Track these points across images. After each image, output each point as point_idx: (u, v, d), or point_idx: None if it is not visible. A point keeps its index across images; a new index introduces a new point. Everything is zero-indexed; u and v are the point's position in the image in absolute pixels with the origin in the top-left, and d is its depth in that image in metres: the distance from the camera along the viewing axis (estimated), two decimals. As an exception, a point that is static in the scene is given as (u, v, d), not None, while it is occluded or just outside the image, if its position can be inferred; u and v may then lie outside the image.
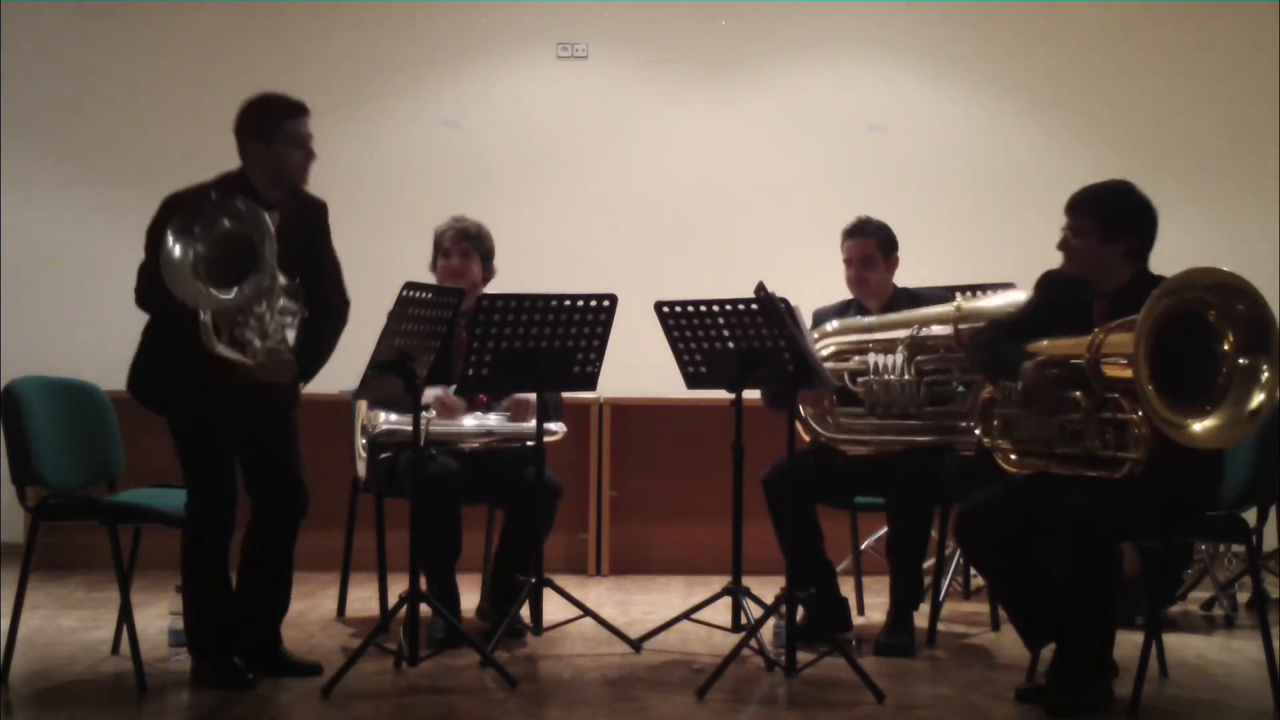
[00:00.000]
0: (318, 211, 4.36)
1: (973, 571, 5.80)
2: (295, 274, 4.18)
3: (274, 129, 4.16)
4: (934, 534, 5.20)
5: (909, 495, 4.84)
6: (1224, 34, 7.17)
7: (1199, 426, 3.76)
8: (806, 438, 4.97)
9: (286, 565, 4.38)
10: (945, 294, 5.21)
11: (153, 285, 4.05)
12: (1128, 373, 3.75)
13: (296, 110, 4.22)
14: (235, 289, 3.92)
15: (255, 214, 3.95)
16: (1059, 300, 4.19)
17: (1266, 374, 3.77)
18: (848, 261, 5.11)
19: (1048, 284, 4.28)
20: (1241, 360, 3.79)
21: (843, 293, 5.22)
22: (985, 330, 4.51)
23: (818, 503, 4.96)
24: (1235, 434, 3.83)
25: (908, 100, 7.21)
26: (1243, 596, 5.61)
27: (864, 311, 5.11)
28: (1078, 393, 3.98)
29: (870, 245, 5.08)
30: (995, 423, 4.25)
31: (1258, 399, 3.78)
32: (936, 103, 7.22)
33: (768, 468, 4.85)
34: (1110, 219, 4.06)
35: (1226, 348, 3.80)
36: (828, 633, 4.52)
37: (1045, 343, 4.08)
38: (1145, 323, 3.70)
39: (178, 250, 3.90)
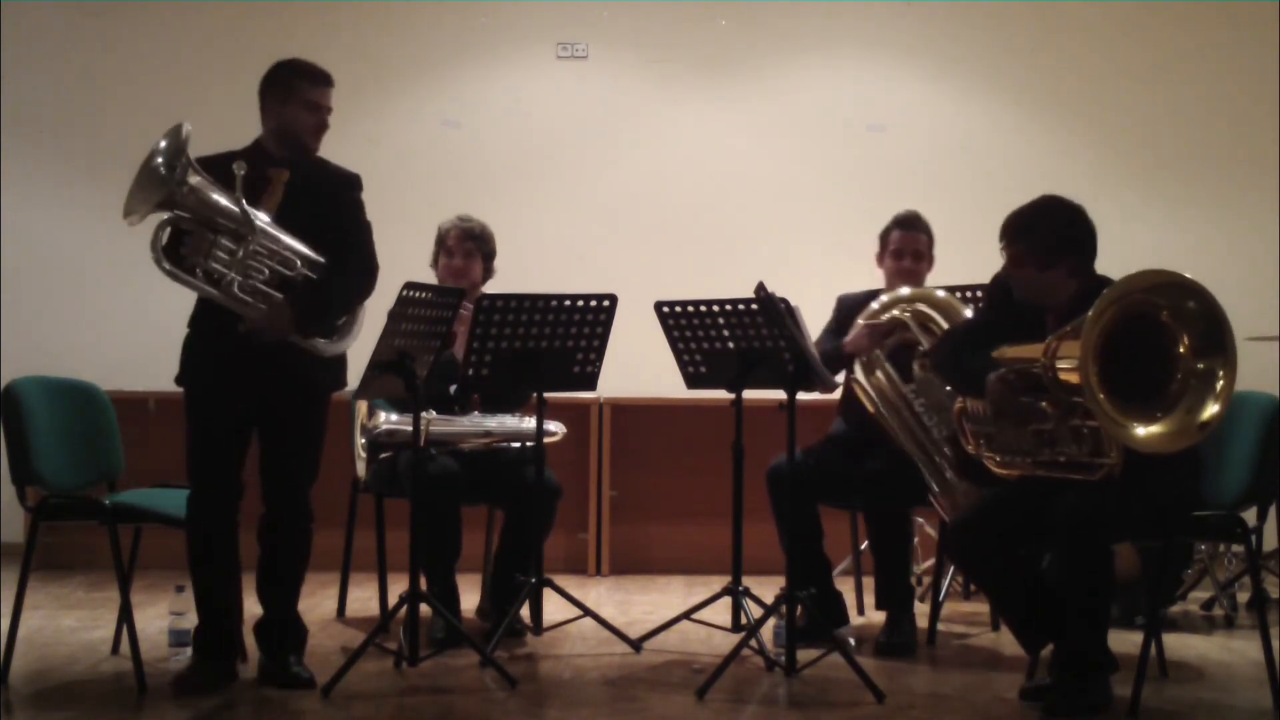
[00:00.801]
0: (342, 182, 4.36)
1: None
2: (307, 237, 4.18)
3: (290, 89, 4.25)
4: (933, 534, 5.20)
5: (885, 497, 4.85)
6: (1224, 34, 7.17)
7: (1142, 431, 3.72)
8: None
9: (284, 582, 4.30)
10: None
11: None
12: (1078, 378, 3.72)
13: (318, 77, 4.29)
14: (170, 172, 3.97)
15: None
16: (1011, 303, 4.17)
17: (1222, 382, 3.73)
18: (897, 253, 5.04)
19: (998, 288, 4.27)
20: (1199, 364, 3.75)
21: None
22: (942, 342, 4.46)
23: (819, 501, 4.96)
24: (1179, 442, 3.77)
25: (908, 100, 7.21)
26: (1243, 596, 5.61)
27: None
28: (1044, 402, 3.95)
29: (923, 241, 5.06)
30: (980, 439, 4.23)
31: (1210, 410, 3.73)
32: (936, 103, 7.22)
33: (773, 461, 4.84)
34: (1046, 245, 4.02)
35: (1182, 350, 3.76)
36: (825, 630, 4.51)
37: (1008, 351, 4.05)
38: (1091, 332, 3.66)
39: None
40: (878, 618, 5.03)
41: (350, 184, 4.38)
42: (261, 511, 4.28)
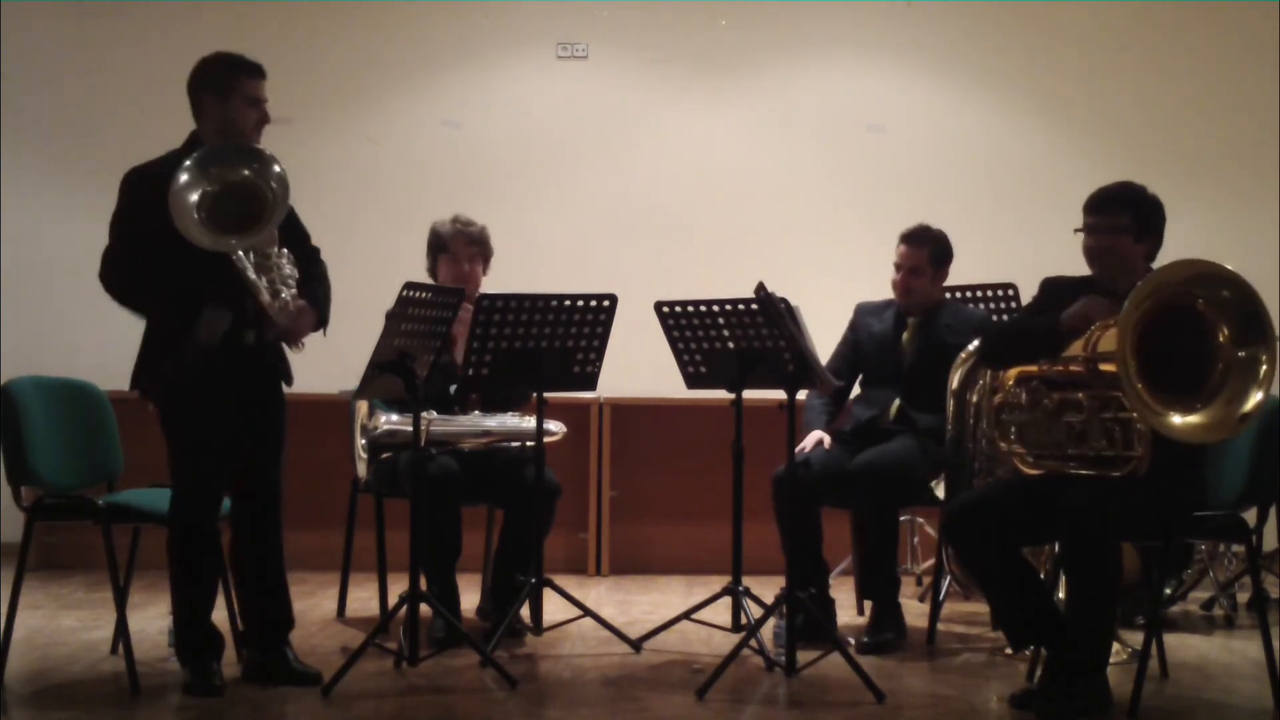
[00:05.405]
0: None
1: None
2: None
3: (231, 84, 4.17)
4: (933, 534, 5.19)
5: (874, 492, 4.84)
6: (1224, 34, 7.17)
7: (1179, 421, 3.72)
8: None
9: (274, 575, 4.30)
10: (985, 316, 5.18)
11: (115, 271, 4.28)
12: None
13: (255, 70, 4.22)
14: (236, 236, 3.98)
15: (276, 171, 4.03)
16: (1062, 299, 4.17)
17: (1265, 368, 3.73)
18: (897, 266, 5.09)
19: (1051, 286, 4.26)
20: (1240, 353, 3.76)
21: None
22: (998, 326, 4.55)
23: (822, 504, 4.96)
24: (1216, 434, 3.78)
25: (907, 100, 7.21)
26: (1243, 597, 5.61)
27: (903, 316, 5.11)
28: (1080, 394, 3.96)
29: (922, 256, 5.06)
30: (1011, 429, 4.22)
31: (1253, 400, 3.72)
32: (936, 103, 7.22)
33: (781, 467, 4.81)
34: (1148, 221, 4.09)
35: (1222, 340, 3.77)
36: (826, 632, 4.51)
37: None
38: (1127, 321, 3.67)
39: (185, 181, 3.99)
40: (877, 618, 5.02)
41: None
42: (230, 511, 4.29)
